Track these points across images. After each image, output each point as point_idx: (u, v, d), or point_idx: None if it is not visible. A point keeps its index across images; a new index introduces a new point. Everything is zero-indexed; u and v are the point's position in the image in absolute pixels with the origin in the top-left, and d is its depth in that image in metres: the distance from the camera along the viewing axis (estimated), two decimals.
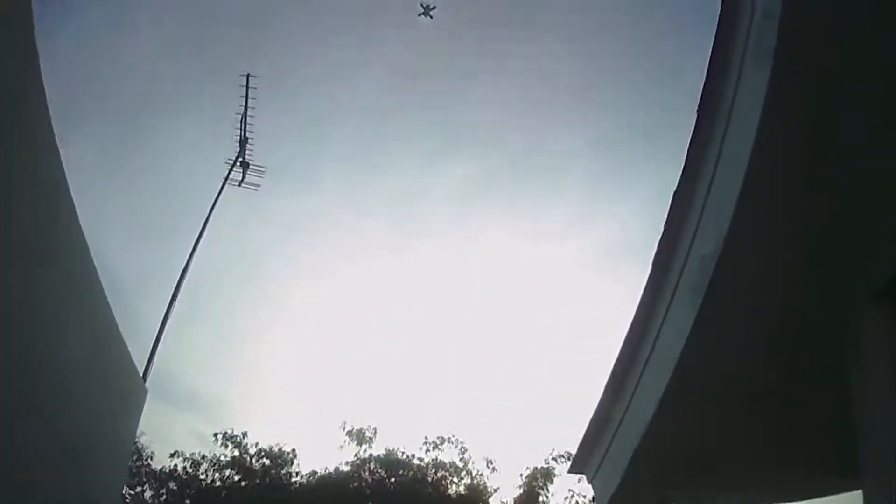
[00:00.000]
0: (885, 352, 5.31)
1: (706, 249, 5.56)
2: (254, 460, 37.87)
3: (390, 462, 37.40)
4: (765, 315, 5.80)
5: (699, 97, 5.89)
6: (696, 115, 5.96)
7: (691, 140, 6.01)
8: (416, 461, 37.73)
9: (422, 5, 37.88)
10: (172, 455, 37.55)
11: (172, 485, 37.91)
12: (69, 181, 8.34)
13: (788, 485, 8.05)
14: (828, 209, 5.27)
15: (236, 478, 37.88)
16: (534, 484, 37.35)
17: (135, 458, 36.64)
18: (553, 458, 37.21)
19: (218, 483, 37.86)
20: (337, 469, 37.75)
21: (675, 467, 7.07)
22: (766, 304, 5.72)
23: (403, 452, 37.79)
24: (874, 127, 4.89)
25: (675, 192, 6.26)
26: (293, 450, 38.26)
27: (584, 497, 36.52)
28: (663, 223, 6.36)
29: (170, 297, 18.94)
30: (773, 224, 5.34)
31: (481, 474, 37.99)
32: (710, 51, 5.70)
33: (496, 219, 52.93)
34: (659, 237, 6.44)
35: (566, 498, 37.03)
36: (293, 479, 38.01)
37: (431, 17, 37.92)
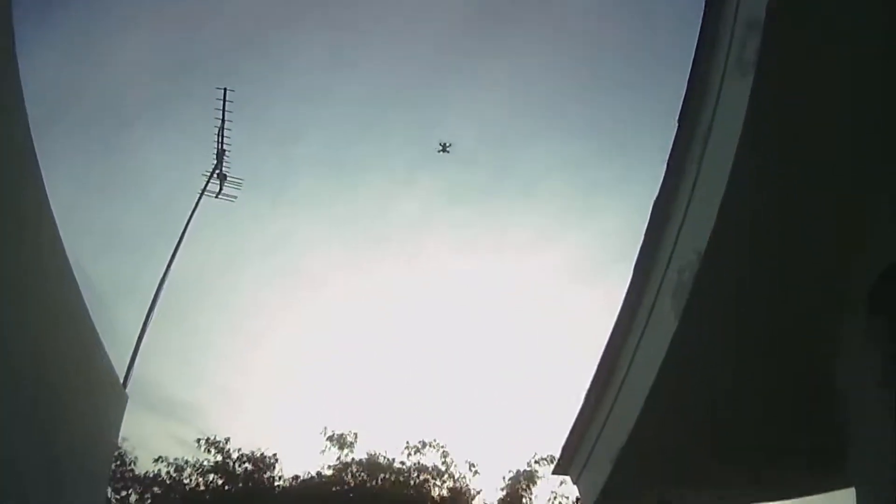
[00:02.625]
0: (872, 351, 5.39)
1: (688, 256, 5.62)
2: (236, 465, 37.98)
3: (372, 466, 37.57)
4: (749, 317, 5.88)
5: (680, 107, 5.96)
6: (676, 125, 6.04)
7: (672, 148, 6.08)
8: (398, 465, 37.82)
9: (440, 144, 38.70)
10: (156, 460, 37.71)
11: (157, 489, 37.96)
12: (48, 191, 8.34)
13: (778, 483, 8.12)
14: (811, 214, 5.36)
15: (220, 482, 38.00)
16: (517, 486, 37.56)
17: (118, 463, 36.65)
18: (536, 462, 37.48)
19: (202, 487, 38.00)
20: (319, 473, 37.87)
21: (661, 467, 7.15)
22: (750, 307, 5.81)
23: (385, 457, 37.92)
24: (857, 133, 4.97)
25: (656, 200, 6.32)
26: (274, 454, 38.46)
27: (567, 498, 36.78)
28: (644, 230, 6.43)
29: (148, 306, 18.90)
30: (757, 229, 5.42)
31: (464, 477, 38.19)
32: (692, 60, 5.77)
33: (469, 231, 53.32)
34: (640, 244, 6.51)
35: (549, 500, 37.28)
36: (276, 483, 38.12)
37: (449, 153, 38.88)
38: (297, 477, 38.44)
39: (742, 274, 5.60)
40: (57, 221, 8.46)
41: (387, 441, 41.88)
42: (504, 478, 38.08)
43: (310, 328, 59.10)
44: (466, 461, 38.31)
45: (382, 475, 37.51)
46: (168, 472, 37.93)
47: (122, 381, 13.10)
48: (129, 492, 38.20)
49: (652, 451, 6.95)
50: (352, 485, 37.30)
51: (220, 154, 25.74)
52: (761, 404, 6.66)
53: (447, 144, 38.30)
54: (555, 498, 37.14)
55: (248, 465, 38.05)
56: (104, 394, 10.49)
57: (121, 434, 35.72)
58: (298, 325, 57.00)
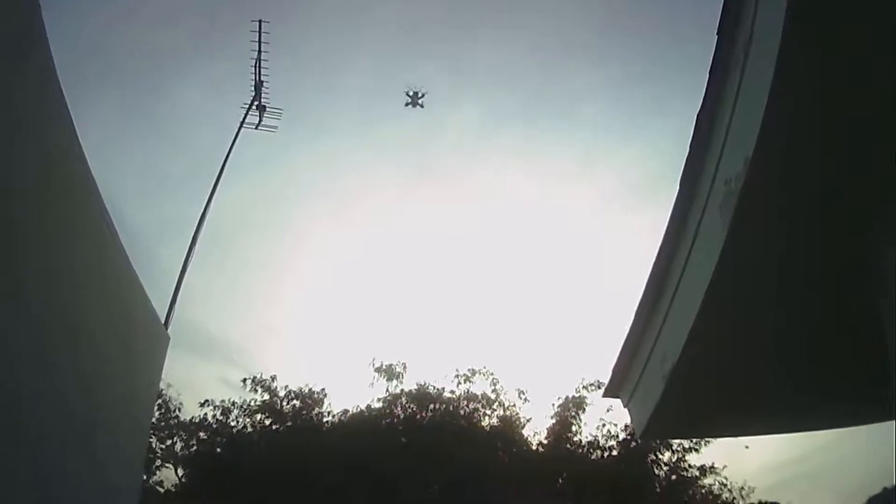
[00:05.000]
0: None
1: (735, 166, 5.55)
2: (284, 403, 38.49)
3: (421, 397, 37.84)
4: (794, 240, 5.79)
5: (719, 17, 5.85)
6: (716, 38, 5.94)
7: (714, 59, 5.98)
8: (447, 394, 38.10)
9: (409, 94, 37.31)
10: (202, 404, 38.33)
11: (203, 434, 38.60)
12: (83, 134, 8.39)
13: (821, 413, 8.13)
14: (856, 132, 5.24)
15: (267, 422, 38.54)
16: (566, 414, 37.80)
17: (163, 411, 37.31)
18: (584, 387, 37.65)
19: (249, 428, 38.59)
20: (368, 407, 38.31)
21: (710, 392, 7.15)
22: (797, 224, 5.71)
23: (434, 387, 38.17)
24: None
25: (699, 112, 6.24)
26: (322, 389, 38.91)
27: (616, 426, 37.04)
28: (689, 144, 6.36)
29: (189, 245, 18.98)
30: (801, 137, 5.31)
31: (513, 405, 38.52)
32: None
33: (514, 157, 53.13)
34: (686, 158, 6.44)
35: (598, 427, 37.54)
36: (324, 420, 38.62)
37: (422, 107, 37.29)
38: (346, 411, 38.93)
39: (788, 186, 5.51)
40: (92, 166, 8.52)
41: (436, 370, 42.33)
42: (553, 405, 38.36)
43: (355, 259, 59.74)
44: (516, 389, 38.59)
45: (432, 405, 37.85)
46: (214, 416, 38.61)
47: (163, 321, 13.24)
48: (175, 440, 38.85)
49: (701, 374, 6.97)
50: (401, 417, 37.70)
51: (259, 86, 25.84)
52: (807, 333, 6.62)
53: (418, 94, 37.03)
54: (603, 425, 37.45)
55: (296, 402, 38.54)
56: (145, 334, 10.62)
57: (166, 380, 36.34)
58: (344, 257, 57.65)
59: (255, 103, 26.08)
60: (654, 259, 7.09)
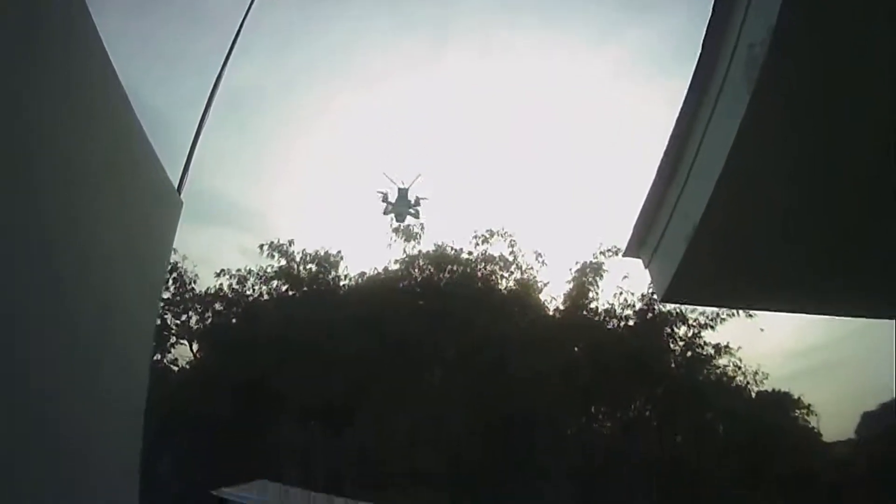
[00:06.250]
0: None
1: (759, 33, 5.28)
2: (300, 268, 38.68)
3: (439, 258, 38.05)
4: (816, 111, 5.52)
5: None
6: None
7: None
8: (465, 255, 38.14)
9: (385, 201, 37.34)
10: (218, 274, 38.58)
11: (218, 306, 38.93)
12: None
13: (840, 300, 7.97)
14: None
15: (283, 287, 38.82)
16: (583, 280, 37.90)
17: (177, 285, 37.53)
18: (602, 253, 37.65)
19: (265, 296, 38.90)
20: (385, 269, 38.52)
21: (731, 261, 6.99)
22: (819, 99, 5.44)
23: (452, 248, 38.19)
24: None
25: None
26: (339, 252, 39.09)
27: (633, 295, 37.22)
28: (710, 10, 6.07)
29: (202, 111, 18.60)
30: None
31: (531, 268, 38.62)
32: None
33: (533, 28, 52.10)
34: (708, 22, 6.15)
35: (615, 295, 37.70)
36: (341, 283, 38.97)
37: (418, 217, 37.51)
38: (362, 274, 39.23)
39: (814, 53, 5.23)
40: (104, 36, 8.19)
41: (454, 232, 42.48)
42: (571, 269, 38.43)
43: (374, 122, 59.36)
44: (534, 251, 38.63)
45: (450, 267, 38.00)
46: (230, 285, 38.91)
47: (175, 187, 13.09)
48: (189, 314, 39.13)
49: (722, 241, 6.79)
50: (418, 279, 37.96)
51: None
52: (830, 211, 6.41)
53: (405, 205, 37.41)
54: (620, 293, 37.63)
55: (313, 267, 38.86)
56: (155, 197, 10.42)
57: (181, 253, 36.59)
58: (362, 121, 57.29)
59: None
60: (675, 121, 6.84)
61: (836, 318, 9.85)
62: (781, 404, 38.68)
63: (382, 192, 40.40)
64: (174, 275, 36.81)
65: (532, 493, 29.77)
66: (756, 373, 37.87)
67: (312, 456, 31.39)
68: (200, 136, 16.71)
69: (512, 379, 32.29)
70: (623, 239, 7.70)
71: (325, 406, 32.96)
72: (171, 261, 34.80)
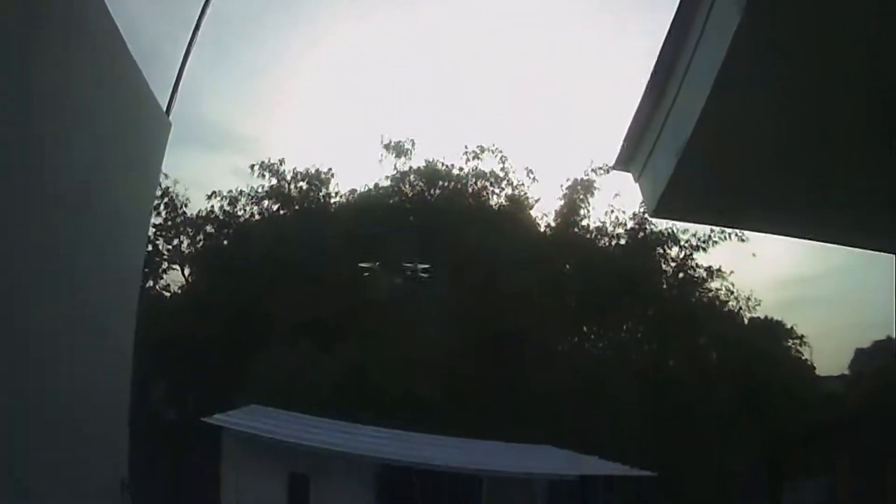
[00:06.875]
0: None
1: None
2: (291, 186, 38.52)
3: (430, 174, 37.86)
4: (809, 27, 5.45)
5: None
6: None
7: None
8: (456, 171, 37.98)
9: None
10: (209, 196, 38.36)
11: (209, 228, 38.85)
12: None
13: (832, 225, 7.97)
14: None
15: (275, 207, 38.71)
16: (574, 196, 37.82)
17: (169, 209, 37.39)
18: (593, 170, 37.51)
19: (256, 217, 38.76)
20: (377, 185, 38.34)
21: (722, 178, 7.00)
22: (812, 15, 5.37)
23: (443, 163, 38.01)
24: None
25: None
26: (329, 169, 38.82)
27: (624, 213, 37.21)
28: None
29: (191, 32, 18.31)
30: None
31: (522, 184, 38.48)
32: None
33: None
34: None
35: (606, 213, 37.71)
36: (332, 201, 38.84)
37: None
38: (353, 191, 39.11)
39: None
40: None
41: (445, 147, 42.20)
42: (561, 186, 38.35)
43: (363, 42, 58.69)
44: (525, 167, 38.49)
45: (441, 182, 37.89)
46: (221, 207, 38.70)
47: (164, 109, 12.98)
48: (181, 238, 39.04)
49: (714, 157, 6.78)
50: (409, 195, 37.86)
51: None
52: (825, 133, 6.38)
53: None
54: (611, 211, 37.61)
55: (303, 185, 38.67)
56: (143, 117, 10.33)
57: (173, 177, 36.37)
58: (350, 41, 56.62)
59: None
60: (666, 32, 6.78)
61: (835, 248, 9.94)
62: (774, 333, 38.78)
63: None
64: (165, 199, 36.60)
65: (525, 412, 29.95)
66: (749, 298, 37.95)
67: (304, 377, 31.52)
68: (189, 59, 16.48)
69: (503, 296, 32.42)
70: (614, 155, 7.69)
71: (316, 325, 33.03)
72: (163, 185, 35.15)
